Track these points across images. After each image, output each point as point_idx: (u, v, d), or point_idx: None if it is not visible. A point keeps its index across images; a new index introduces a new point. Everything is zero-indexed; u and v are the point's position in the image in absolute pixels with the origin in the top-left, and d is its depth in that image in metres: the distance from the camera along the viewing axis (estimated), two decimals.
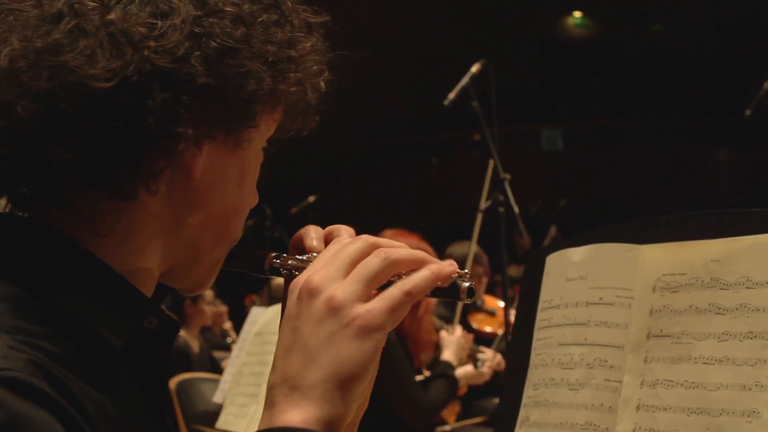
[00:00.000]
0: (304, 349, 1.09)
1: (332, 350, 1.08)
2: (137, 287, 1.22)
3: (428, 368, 4.70)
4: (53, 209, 1.17)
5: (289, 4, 1.24)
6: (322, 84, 1.31)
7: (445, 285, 1.18)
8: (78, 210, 1.16)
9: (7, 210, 1.24)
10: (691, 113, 16.93)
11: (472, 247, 5.90)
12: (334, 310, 1.09)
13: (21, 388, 0.99)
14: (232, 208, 1.27)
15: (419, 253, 1.17)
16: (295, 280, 1.14)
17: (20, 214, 1.22)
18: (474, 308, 6.78)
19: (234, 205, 1.27)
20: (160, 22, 1.12)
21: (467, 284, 1.18)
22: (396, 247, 1.17)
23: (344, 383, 1.08)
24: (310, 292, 1.11)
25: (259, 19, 1.19)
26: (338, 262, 1.13)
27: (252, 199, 1.31)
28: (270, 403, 1.09)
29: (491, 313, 6.81)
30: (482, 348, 5.39)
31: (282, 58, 1.21)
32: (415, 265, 1.16)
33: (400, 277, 1.15)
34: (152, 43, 1.11)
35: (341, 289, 1.10)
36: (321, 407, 1.07)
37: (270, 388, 1.10)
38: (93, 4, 1.12)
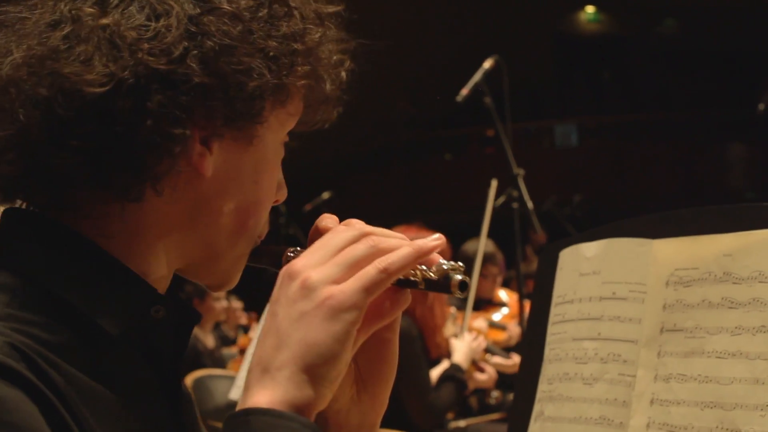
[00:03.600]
0: (276, 331, 1.08)
1: (301, 332, 1.06)
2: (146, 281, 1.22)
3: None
4: (63, 210, 1.17)
5: None
6: (343, 74, 1.29)
7: (437, 277, 1.14)
8: (85, 211, 1.16)
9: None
10: (705, 108, 16.85)
11: (481, 247, 5.86)
12: (306, 290, 1.08)
13: None
14: (249, 204, 1.25)
15: (413, 243, 1.14)
16: (283, 268, 1.13)
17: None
18: (488, 303, 6.73)
19: (251, 201, 1.25)
20: (153, 24, 1.12)
21: (460, 277, 1.13)
22: (389, 236, 1.15)
23: (311, 366, 1.05)
24: (290, 276, 1.10)
25: (260, 14, 1.18)
26: (325, 248, 1.12)
27: (273, 195, 1.30)
28: (245, 387, 1.09)
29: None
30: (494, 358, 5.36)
31: (286, 52, 1.19)
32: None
33: None
34: (146, 45, 1.11)
35: (317, 271, 1.09)
36: (286, 389, 1.05)
37: (248, 372, 1.10)
38: (91, 10, 1.13)
